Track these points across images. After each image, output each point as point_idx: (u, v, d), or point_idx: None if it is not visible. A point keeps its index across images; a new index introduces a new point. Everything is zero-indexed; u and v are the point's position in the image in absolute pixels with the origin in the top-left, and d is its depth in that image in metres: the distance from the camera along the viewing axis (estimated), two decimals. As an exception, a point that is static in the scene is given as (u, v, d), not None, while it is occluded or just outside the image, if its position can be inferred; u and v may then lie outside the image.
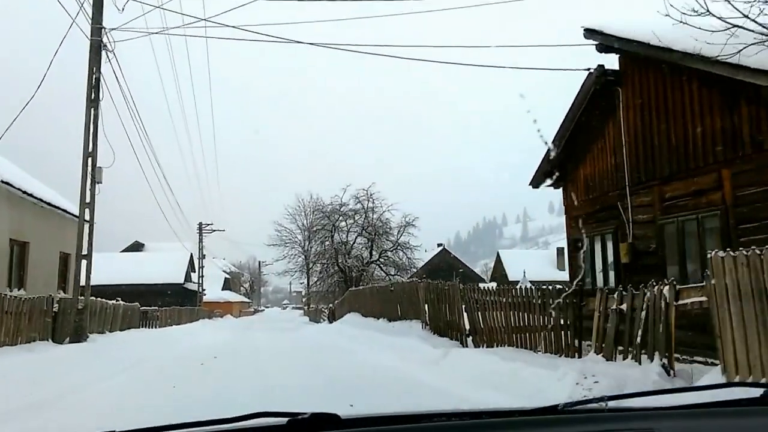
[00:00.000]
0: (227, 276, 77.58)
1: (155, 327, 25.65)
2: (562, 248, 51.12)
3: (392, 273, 38.49)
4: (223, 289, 71.41)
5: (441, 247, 56.21)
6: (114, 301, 19.23)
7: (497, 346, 10.16)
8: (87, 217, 13.94)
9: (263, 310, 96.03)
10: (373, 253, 38.20)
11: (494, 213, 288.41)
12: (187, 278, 51.16)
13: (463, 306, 11.90)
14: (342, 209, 37.96)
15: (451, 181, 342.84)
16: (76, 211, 14.99)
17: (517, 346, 9.76)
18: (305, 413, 1.35)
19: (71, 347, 12.64)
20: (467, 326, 11.65)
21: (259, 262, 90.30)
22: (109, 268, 46.66)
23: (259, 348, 16.69)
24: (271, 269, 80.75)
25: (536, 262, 49.54)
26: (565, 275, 22.16)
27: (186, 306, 43.25)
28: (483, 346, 10.82)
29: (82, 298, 13.97)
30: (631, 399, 1.72)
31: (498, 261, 52.02)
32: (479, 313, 11.25)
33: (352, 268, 37.67)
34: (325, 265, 38.43)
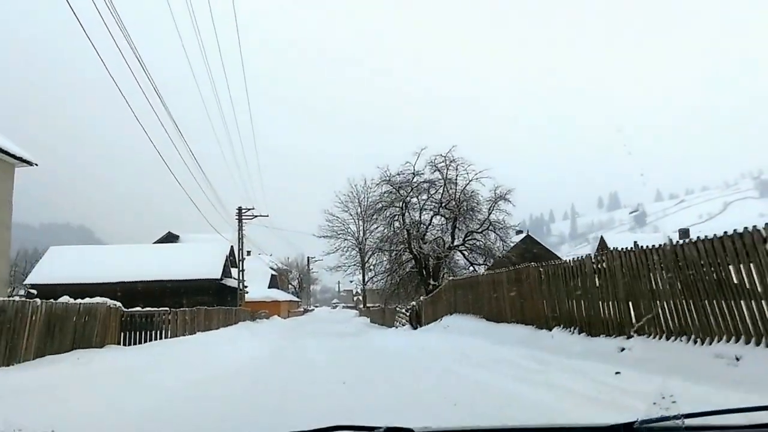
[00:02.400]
0: (274, 272, 70.36)
1: (162, 336, 17.68)
2: (686, 230, 41.25)
3: (479, 261, 29.76)
4: (269, 287, 64.18)
5: (524, 234, 47.08)
6: (70, 300, 11.21)
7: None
8: None
9: (313, 309, 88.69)
10: (457, 235, 29.49)
11: (541, 210, 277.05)
12: (226, 273, 43.69)
13: None
14: (415, 180, 29.40)
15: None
16: None
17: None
18: (380, 427, 1.54)
19: None
20: None
21: (308, 257, 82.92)
22: (131, 261, 39.81)
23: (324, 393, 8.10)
24: (321, 265, 73.29)
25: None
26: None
27: (224, 305, 35.63)
28: None
29: None
30: (709, 417, 1.61)
31: (601, 244, 42.71)
32: None
33: (429, 255, 29.14)
34: (396, 253, 29.95)
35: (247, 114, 30.30)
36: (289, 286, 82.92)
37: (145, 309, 18.26)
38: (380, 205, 30.11)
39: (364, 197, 58.75)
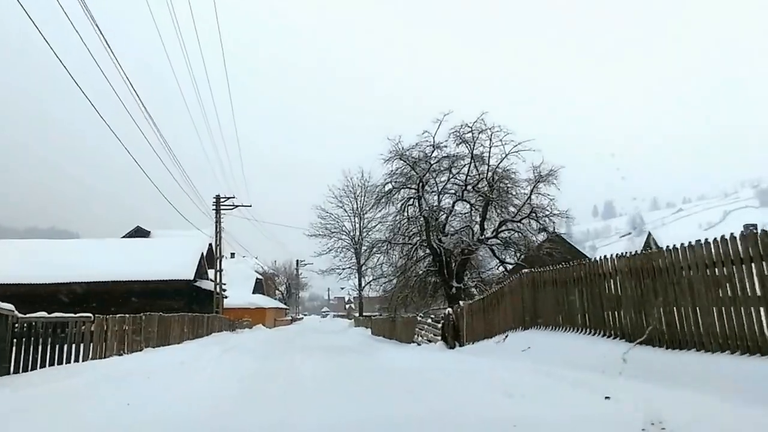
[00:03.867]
0: (259, 276, 63.86)
1: (81, 356, 11.49)
2: (753, 225, 35.46)
3: (511, 261, 23.76)
4: (254, 293, 57.71)
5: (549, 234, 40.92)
6: None
7: None
8: None
9: (302, 318, 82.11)
10: (486, 225, 23.42)
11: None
12: (202, 274, 37.29)
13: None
14: (434, 154, 23.30)
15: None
16: None
17: None
18: None
19: None
20: None
21: (297, 260, 76.48)
22: (86, 259, 33.33)
23: None
24: (312, 269, 66.66)
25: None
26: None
27: (199, 312, 29.25)
28: None
29: None
30: None
31: (648, 242, 36.96)
32: None
33: (451, 251, 23.06)
34: (410, 248, 23.78)
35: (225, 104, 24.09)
36: (276, 291, 76.37)
37: (54, 315, 11.90)
38: (389, 187, 23.96)
39: (361, 190, 52.70)
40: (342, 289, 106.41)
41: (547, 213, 22.37)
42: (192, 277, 33.69)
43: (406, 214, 23.81)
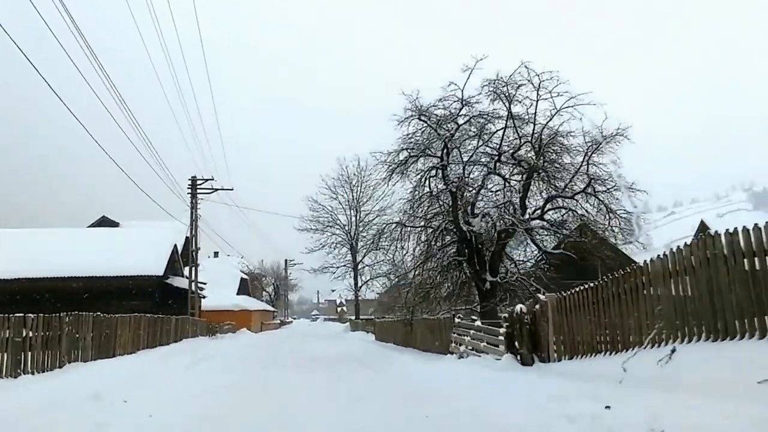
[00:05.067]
0: (245, 276, 58.55)
1: None
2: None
3: (548, 245, 19.01)
4: (238, 294, 52.38)
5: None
6: None
7: None
8: None
9: (291, 321, 76.81)
10: (529, 202, 18.60)
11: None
12: (175, 270, 32.09)
13: None
14: (463, 112, 18.37)
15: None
16: None
17: None
18: None
19: None
20: None
21: (286, 260, 71.23)
22: (34, 251, 27.97)
23: None
24: (302, 268, 61.23)
25: None
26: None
27: (171, 313, 24.08)
28: None
29: None
30: None
31: (702, 230, 32.16)
32: None
33: (483, 236, 18.23)
34: (434, 233, 18.82)
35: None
36: (263, 293, 71.02)
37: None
38: (405, 155, 18.93)
39: (357, 180, 47.63)
40: (333, 291, 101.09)
41: (610, 187, 17.45)
42: (162, 273, 28.46)
43: (428, 187, 18.82)
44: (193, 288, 30.37)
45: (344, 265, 46.82)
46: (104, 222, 36.07)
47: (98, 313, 13.25)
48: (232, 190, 31.23)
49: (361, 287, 46.98)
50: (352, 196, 47.11)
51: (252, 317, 48.93)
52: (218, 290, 46.50)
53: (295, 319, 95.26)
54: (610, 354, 7.67)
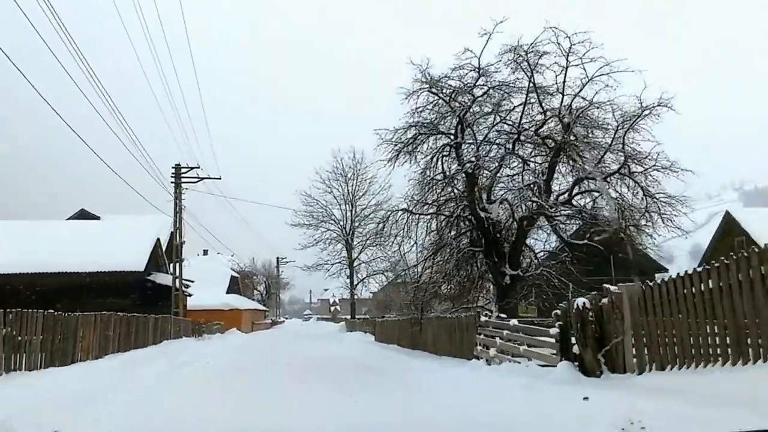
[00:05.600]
0: (235, 275, 56.18)
1: None
2: None
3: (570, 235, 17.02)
4: (228, 292, 50.01)
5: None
6: None
7: None
8: None
9: (283, 321, 74.43)
10: (553, 185, 16.53)
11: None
12: (158, 266, 29.79)
13: None
14: (480, 83, 16.20)
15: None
16: None
17: None
18: None
19: None
20: None
21: (278, 258, 68.89)
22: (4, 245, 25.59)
23: None
24: (294, 266, 58.87)
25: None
26: None
27: (154, 312, 21.76)
28: None
29: None
30: None
31: (728, 222, 30.29)
32: None
33: (502, 223, 16.17)
34: (446, 220, 16.68)
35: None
36: (255, 292, 68.63)
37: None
38: (413, 132, 16.71)
39: (352, 174, 45.34)
40: (326, 290, 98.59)
41: (649, 167, 15.32)
42: (143, 269, 26.12)
43: (440, 168, 16.62)
44: (178, 285, 28.01)
45: (339, 262, 44.53)
46: (83, 215, 33.68)
47: (51, 310, 10.95)
48: (219, 179, 28.93)
49: (357, 285, 44.73)
50: (348, 189, 44.87)
51: (242, 317, 46.61)
52: (207, 289, 44.17)
53: (287, 318, 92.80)
54: (732, 364, 5.51)
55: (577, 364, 7.64)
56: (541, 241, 19.28)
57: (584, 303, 7.50)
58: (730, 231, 29.51)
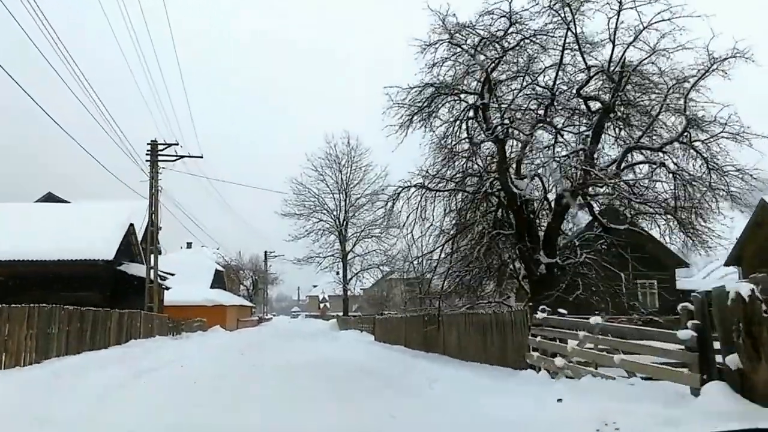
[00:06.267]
0: (220, 269, 53.13)
1: None
2: None
3: (612, 221, 14.29)
4: (212, 287, 46.98)
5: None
6: None
7: None
8: None
9: (270, 318, 71.46)
10: (600, 154, 13.86)
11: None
12: (131, 255, 26.80)
13: None
14: (511, 33, 13.44)
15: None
16: None
17: None
18: None
19: None
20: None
21: (266, 251, 65.87)
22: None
23: None
24: (284, 260, 55.84)
25: None
26: None
27: (125, 307, 18.87)
28: None
29: None
30: None
31: (764, 209, 27.69)
32: None
33: (536, 202, 13.51)
34: (470, 198, 13.94)
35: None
36: (241, 287, 65.55)
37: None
38: (431, 91, 13.92)
39: (347, 161, 42.48)
40: (315, 286, 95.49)
41: (715, 134, 12.62)
42: (113, 257, 23.13)
43: (465, 133, 13.84)
44: (153, 276, 25.03)
45: (332, 255, 41.75)
46: (50, 199, 30.49)
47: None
48: (201, 157, 25.97)
49: (350, 279, 41.94)
50: (341, 177, 42.06)
51: (227, 313, 43.64)
52: (190, 283, 41.14)
53: (274, 315, 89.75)
54: None
55: (730, 383, 4.92)
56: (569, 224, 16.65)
57: (753, 290, 4.76)
58: (764, 221, 26.98)
